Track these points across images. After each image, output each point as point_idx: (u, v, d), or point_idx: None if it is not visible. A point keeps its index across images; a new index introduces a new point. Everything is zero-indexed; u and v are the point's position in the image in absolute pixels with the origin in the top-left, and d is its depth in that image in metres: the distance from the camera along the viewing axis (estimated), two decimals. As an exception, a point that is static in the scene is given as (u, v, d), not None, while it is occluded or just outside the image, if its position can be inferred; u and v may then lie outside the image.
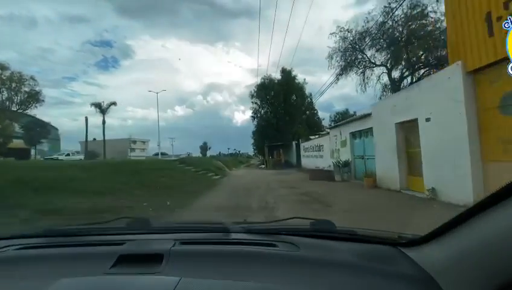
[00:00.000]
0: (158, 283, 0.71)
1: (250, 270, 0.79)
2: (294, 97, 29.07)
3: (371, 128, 10.30)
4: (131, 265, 0.81)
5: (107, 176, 9.04)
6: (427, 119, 7.04)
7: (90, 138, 58.17)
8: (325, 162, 15.80)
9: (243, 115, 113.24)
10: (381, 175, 9.46)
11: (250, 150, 55.02)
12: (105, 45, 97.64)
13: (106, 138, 54.54)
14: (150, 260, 0.80)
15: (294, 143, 26.53)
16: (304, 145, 22.32)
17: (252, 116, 30.14)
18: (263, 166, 29.90)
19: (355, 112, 45.27)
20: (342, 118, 44.75)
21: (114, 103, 35.76)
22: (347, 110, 44.80)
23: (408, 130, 8.26)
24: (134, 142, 77.17)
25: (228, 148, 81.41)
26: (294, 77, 29.22)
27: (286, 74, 29.08)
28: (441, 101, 6.51)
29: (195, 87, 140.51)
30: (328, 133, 16.11)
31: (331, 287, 0.72)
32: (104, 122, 33.76)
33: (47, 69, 70.06)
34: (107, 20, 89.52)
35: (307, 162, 21.07)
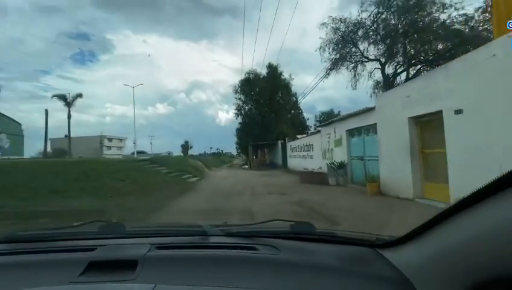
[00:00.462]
0: None
1: (230, 275, 0.76)
2: (280, 94, 27.45)
3: (374, 124, 8.78)
4: (102, 272, 0.74)
5: (36, 180, 6.77)
6: (458, 111, 5.52)
7: (61, 135, 53.57)
8: (315, 163, 14.25)
9: (226, 115, 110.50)
10: (387, 180, 7.94)
11: (233, 149, 53.36)
12: (82, 38, 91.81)
13: (80, 135, 50.25)
14: (123, 267, 0.75)
15: (280, 142, 24.95)
16: (291, 144, 20.72)
17: (236, 113, 28.10)
18: (247, 166, 28.06)
19: (339, 112, 44.72)
20: (328, 118, 44.10)
21: (80, 95, 32.34)
22: (332, 110, 44.15)
23: (426, 125, 6.76)
24: (110, 139, 72.72)
25: (211, 148, 79.64)
26: (280, 73, 27.64)
27: (272, 69, 27.41)
28: (481, 86, 5.00)
29: (177, 84, 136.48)
30: (319, 131, 14.57)
31: None
32: (69, 116, 30.23)
33: (17, 60, 66.10)
34: (84, 12, 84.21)
35: (294, 163, 19.49)
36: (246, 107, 27.46)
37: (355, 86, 18.22)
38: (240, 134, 28.64)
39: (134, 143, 45.55)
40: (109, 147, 67.47)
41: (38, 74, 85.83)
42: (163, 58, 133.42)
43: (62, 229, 1.13)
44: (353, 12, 27.82)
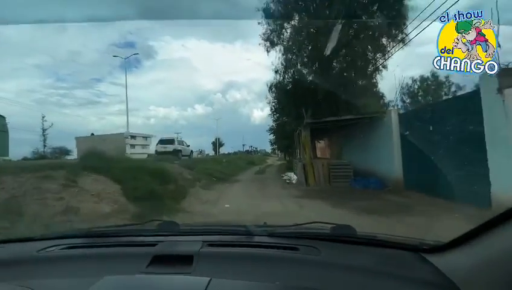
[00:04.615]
0: (191, 283, 0.72)
1: (274, 272, 0.78)
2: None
3: None
4: (164, 265, 0.82)
5: None
6: None
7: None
8: None
9: (261, 113, 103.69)
10: None
11: (267, 146, 38.89)
12: (129, 46, 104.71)
13: (101, 133, 44.58)
14: (181, 261, 0.82)
15: (394, 114, 8.20)
16: None
17: (269, 42, 9.76)
18: (293, 178, 11.77)
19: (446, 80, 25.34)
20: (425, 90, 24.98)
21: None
22: (434, 74, 24.98)
23: None
24: (134, 137, 62.38)
25: (243, 145, 69.42)
26: None
27: None
28: None
29: (214, 85, 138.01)
30: None
31: None
32: None
33: (76, 71, 74.95)
34: (131, 22, 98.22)
35: None
36: (288, 28, 9.52)
37: None
38: (278, 100, 11.37)
39: (126, 138, 32.48)
40: (133, 146, 58.56)
41: (93, 82, 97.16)
42: (201, 60, 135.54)
43: (127, 226, 1.37)
44: None
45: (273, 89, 10.34)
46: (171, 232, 1.09)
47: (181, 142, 21.59)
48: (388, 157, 8.58)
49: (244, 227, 1.08)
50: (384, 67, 9.90)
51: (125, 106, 27.50)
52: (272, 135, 21.75)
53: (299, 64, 9.17)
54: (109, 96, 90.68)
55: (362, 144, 10.28)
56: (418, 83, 23.85)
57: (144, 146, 62.02)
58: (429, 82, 23.50)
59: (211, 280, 0.67)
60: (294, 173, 13.46)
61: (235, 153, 57.47)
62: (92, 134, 56.31)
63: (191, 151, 24.74)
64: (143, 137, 63.38)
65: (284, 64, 9.22)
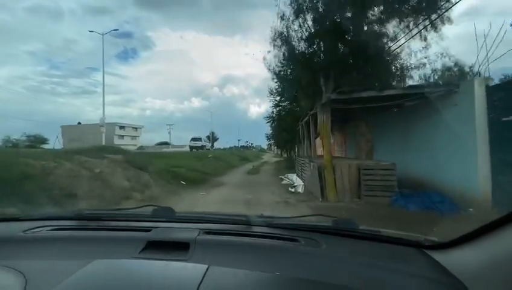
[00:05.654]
0: (187, 270, 0.70)
1: (274, 262, 0.76)
2: None
3: None
4: (158, 251, 0.79)
5: None
6: None
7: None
8: None
9: (258, 108, 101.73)
10: None
11: (264, 143, 35.88)
12: (126, 36, 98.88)
13: (88, 123, 42.49)
14: (176, 247, 0.79)
15: (480, 88, 4.69)
16: None
17: None
18: (298, 182, 8.21)
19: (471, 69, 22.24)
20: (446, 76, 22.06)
21: None
22: (458, 64, 21.95)
23: None
24: (123, 127, 58.19)
25: (239, 140, 67.39)
26: None
27: None
28: None
29: (212, 79, 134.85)
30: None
31: (353, 285, 0.68)
32: None
33: (72, 59, 72.02)
34: (128, 12, 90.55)
35: None
36: None
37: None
38: (283, 60, 6.47)
39: (101, 126, 28.21)
40: (121, 136, 54.43)
41: (88, 71, 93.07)
42: (199, 53, 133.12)
43: (121, 210, 1.29)
44: None
45: (278, 44, 6.25)
46: (166, 219, 1.05)
47: (205, 140, 30.14)
48: (463, 160, 5.13)
49: (244, 216, 1.04)
50: (448, 20, 6.37)
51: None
52: (268, 123, 18.07)
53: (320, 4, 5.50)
54: (106, 87, 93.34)
55: (410, 137, 6.77)
56: (438, 72, 20.53)
57: (133, 137, 58.07)
58: (452, 72, 20.20)
59: (208, 267, 0.66)
60: (298, 176, 10.00)
61: (230, 148, 54.70)
62: (79, 123, 52.17)
63: (211, 145, 32.89)
64: (132, 128, 59.38)
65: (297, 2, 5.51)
